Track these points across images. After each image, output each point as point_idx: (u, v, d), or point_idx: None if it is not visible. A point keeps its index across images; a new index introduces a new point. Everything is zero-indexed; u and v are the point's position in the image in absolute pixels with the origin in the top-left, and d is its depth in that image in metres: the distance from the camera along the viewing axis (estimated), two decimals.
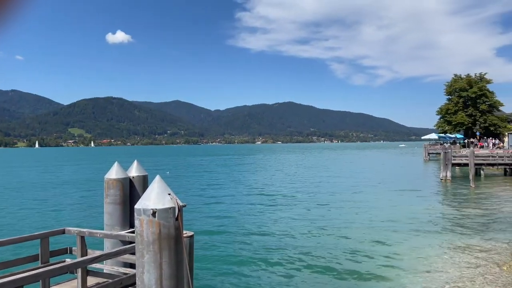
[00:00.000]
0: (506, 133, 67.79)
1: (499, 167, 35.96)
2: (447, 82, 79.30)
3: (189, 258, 5.13)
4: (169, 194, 4.18)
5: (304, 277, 10.41)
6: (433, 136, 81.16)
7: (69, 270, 5.06)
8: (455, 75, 79.41)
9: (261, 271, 10.96)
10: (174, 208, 4.12)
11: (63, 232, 6.44)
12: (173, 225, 4.10)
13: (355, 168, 53.59)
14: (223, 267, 11.31)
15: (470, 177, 29.68)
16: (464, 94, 73.66)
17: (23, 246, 11.18)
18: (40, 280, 4.50)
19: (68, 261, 5.96)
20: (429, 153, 64.92)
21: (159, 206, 4.04)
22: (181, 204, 4.22)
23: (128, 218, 6.96)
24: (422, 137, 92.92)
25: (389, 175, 40.57)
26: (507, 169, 35.42)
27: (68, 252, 6.50)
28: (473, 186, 28.52)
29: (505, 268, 10.40)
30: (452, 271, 10.36)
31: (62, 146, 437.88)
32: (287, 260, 11.87)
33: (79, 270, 5.60)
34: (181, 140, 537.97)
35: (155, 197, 4.09)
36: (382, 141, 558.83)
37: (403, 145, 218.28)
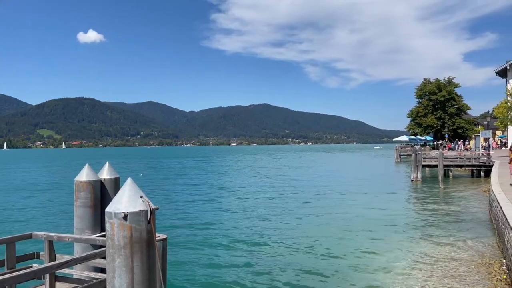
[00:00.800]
0: (473, 136, 70.29)
1: (467, 168, 37.21)
2: (417, 86, 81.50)
3: (162, 262, 5.06)
4: (141, 197, 4.11)
5: (275, 278, 10.45)
6: (404, 138, 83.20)
7: (37, 275, 4.90)
8: (425, 79, 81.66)
9: (235, 273, 10.93)
10: (146, 211, 4.05)
11: (30, 236, 6.22)
12: (145, 228, 4.03)
13: (329, 170, 54.24)
14: (197, 270, 11.22)
15: (439, 178, 30.56)
16: (433, 97, 75.82)
17: None
18: (6, 287, 4.34)
19: (36, 266, 5.76)
20: (400, 155, 66.46)
21: (131, 209, 3.96)
22: (153, 207, 4.15)
23: (99, 222, 6.81)
24: (394, 139, 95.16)
25: (362, 176, 41.27)
26: (474, 170, 36.65)
27: (36, 257, 6.29)
28: (442, 186, 29.36)
29: (473, 266, 10.74)
30: (421, 270, 10.62)
31: (30, 147, 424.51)
32: (260, 261, 11.89)
33: (47, 276, 5.42)
34: (155, 142, 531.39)
35: (127, 200, 4.01)
36: (355, 143, 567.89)
37: (378, 147, 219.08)
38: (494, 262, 10.89)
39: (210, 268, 11.42)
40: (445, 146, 61.87)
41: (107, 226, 4.03)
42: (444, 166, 32.70)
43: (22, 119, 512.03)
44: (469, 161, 35.51)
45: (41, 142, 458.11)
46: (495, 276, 9.75)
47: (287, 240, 14.52)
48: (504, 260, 10.60)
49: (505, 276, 9.50)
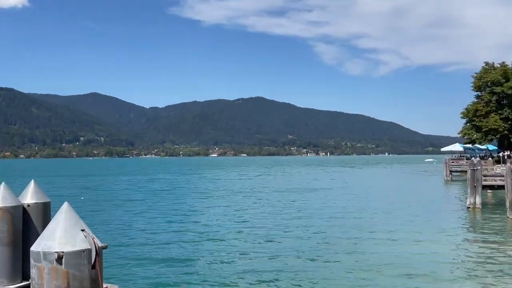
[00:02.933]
0: None
1: None
2: (476, 73, 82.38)
3: None
4: (83, 230, 4.11)
5: None
6: (457, 147, 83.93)
7: None
8: (486, 63, 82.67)
9: None
10: (89, 250, 4.05)
11: None
12: (88, 275, 4.02)
13: (358, 193, 54.49)
14: None
15: (507, 204, 30.69)
16: (498, 89, 76.56)
17: None
18: None
19: None
20: (451, 171, 66.73)
21: (68, 248, 3.95)
22: (100, 244, 4.15)
23: (20, 266, 6.77)
24: (442, 149, 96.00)
25: (402, 201, 41.42)
26: None
27: None
28: (511, 217, 29.51)
29: None
30: None
31: None
32: None
33: None
34: (101, 151, 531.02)
35: (62, 235, 4.01)
36: (386, 154, 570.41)
37: (430, 160, 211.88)
38: None
39: None
40: None
41: (33, 272, 4.02)
42: None
43: None
44: None
45: None
46: None
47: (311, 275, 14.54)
48: None
49: None
